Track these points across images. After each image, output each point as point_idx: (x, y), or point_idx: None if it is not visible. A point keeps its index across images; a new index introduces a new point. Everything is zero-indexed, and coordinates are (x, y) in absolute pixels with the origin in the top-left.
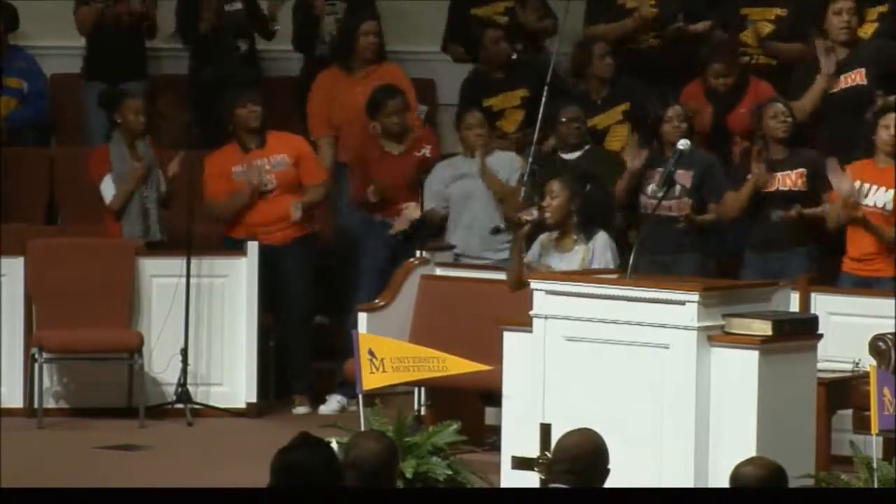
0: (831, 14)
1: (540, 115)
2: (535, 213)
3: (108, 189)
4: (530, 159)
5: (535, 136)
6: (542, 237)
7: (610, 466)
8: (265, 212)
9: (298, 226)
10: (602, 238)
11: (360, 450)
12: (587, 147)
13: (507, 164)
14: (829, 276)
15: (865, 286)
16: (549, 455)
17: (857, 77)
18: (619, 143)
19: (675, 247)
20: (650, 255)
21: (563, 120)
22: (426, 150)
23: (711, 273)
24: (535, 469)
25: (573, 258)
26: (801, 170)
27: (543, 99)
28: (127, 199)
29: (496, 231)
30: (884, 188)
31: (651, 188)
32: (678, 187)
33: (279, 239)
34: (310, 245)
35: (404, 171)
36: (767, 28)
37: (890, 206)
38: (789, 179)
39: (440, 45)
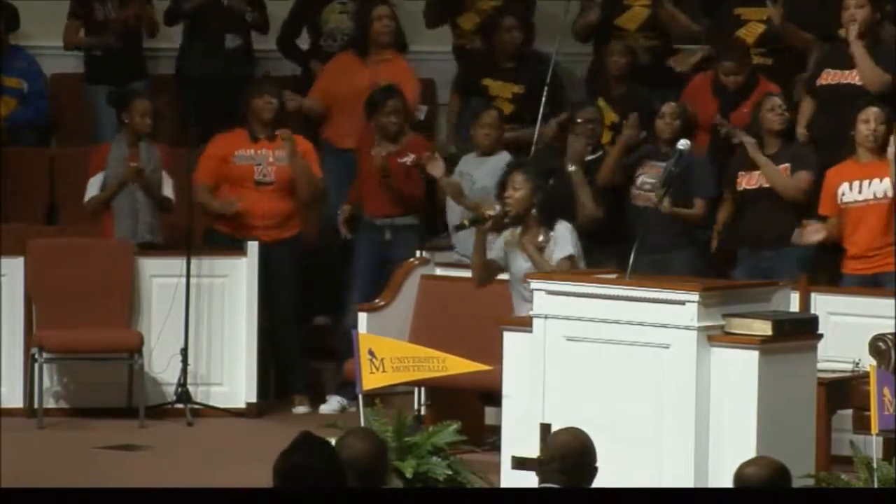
0: (842, 10)
1: (540, 116)
2: (497, 208)
3: (91, 187)
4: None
5: (535, 136)
6: (507, 234)
7: (598, 465)
8: (261, 206)
9: (288, 225)
10: (563, 225)
11: (350, 449)
12: (601, 152)
13: None
14: (828, 277)
15: (871, 283)
16: None
17: (855, 76)
18: None
19: (667, 244)
20: (644, 252)
21: (580, 121)
22: (407, 160)
23: (702, 269)
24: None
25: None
26: (785, 165)
27: (543, 99)
28: (103, 204)
29: (459, 227)
30: (877, 179)
31: (642, 180)
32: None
33: (272, 236)
34: (295, 246)
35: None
36: (759, 28)
37: (891, 193)
38: None
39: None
